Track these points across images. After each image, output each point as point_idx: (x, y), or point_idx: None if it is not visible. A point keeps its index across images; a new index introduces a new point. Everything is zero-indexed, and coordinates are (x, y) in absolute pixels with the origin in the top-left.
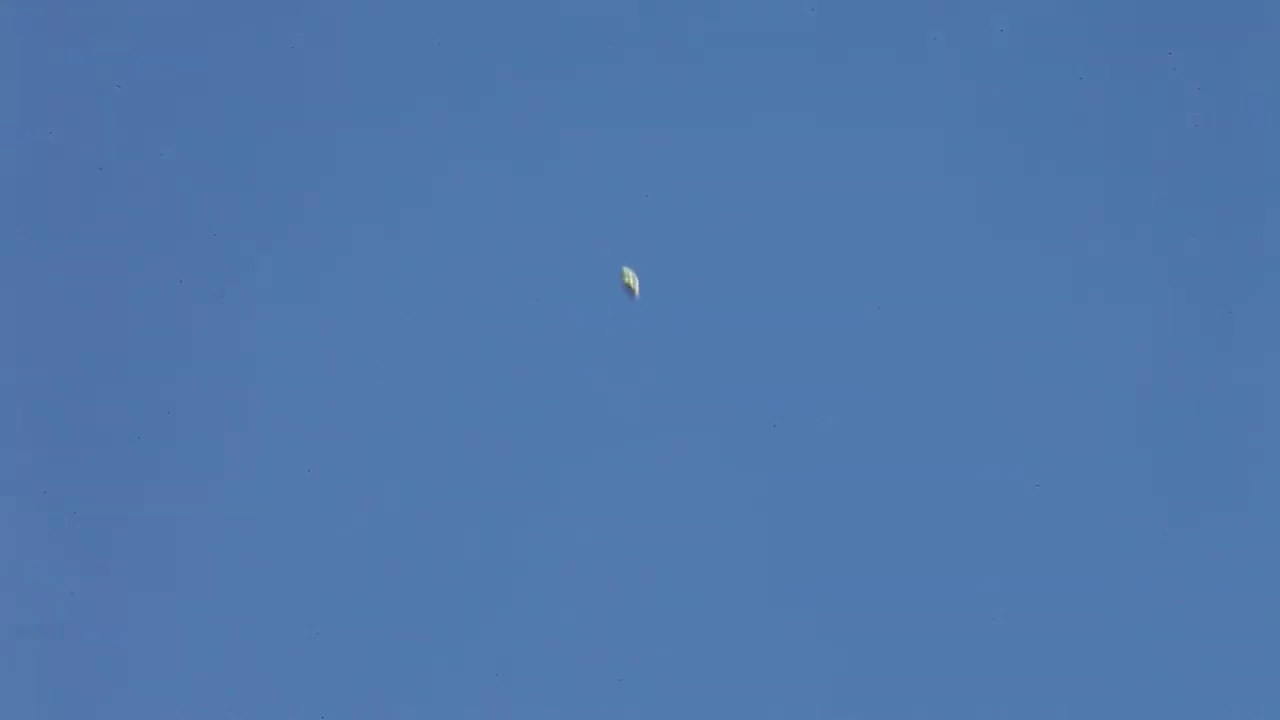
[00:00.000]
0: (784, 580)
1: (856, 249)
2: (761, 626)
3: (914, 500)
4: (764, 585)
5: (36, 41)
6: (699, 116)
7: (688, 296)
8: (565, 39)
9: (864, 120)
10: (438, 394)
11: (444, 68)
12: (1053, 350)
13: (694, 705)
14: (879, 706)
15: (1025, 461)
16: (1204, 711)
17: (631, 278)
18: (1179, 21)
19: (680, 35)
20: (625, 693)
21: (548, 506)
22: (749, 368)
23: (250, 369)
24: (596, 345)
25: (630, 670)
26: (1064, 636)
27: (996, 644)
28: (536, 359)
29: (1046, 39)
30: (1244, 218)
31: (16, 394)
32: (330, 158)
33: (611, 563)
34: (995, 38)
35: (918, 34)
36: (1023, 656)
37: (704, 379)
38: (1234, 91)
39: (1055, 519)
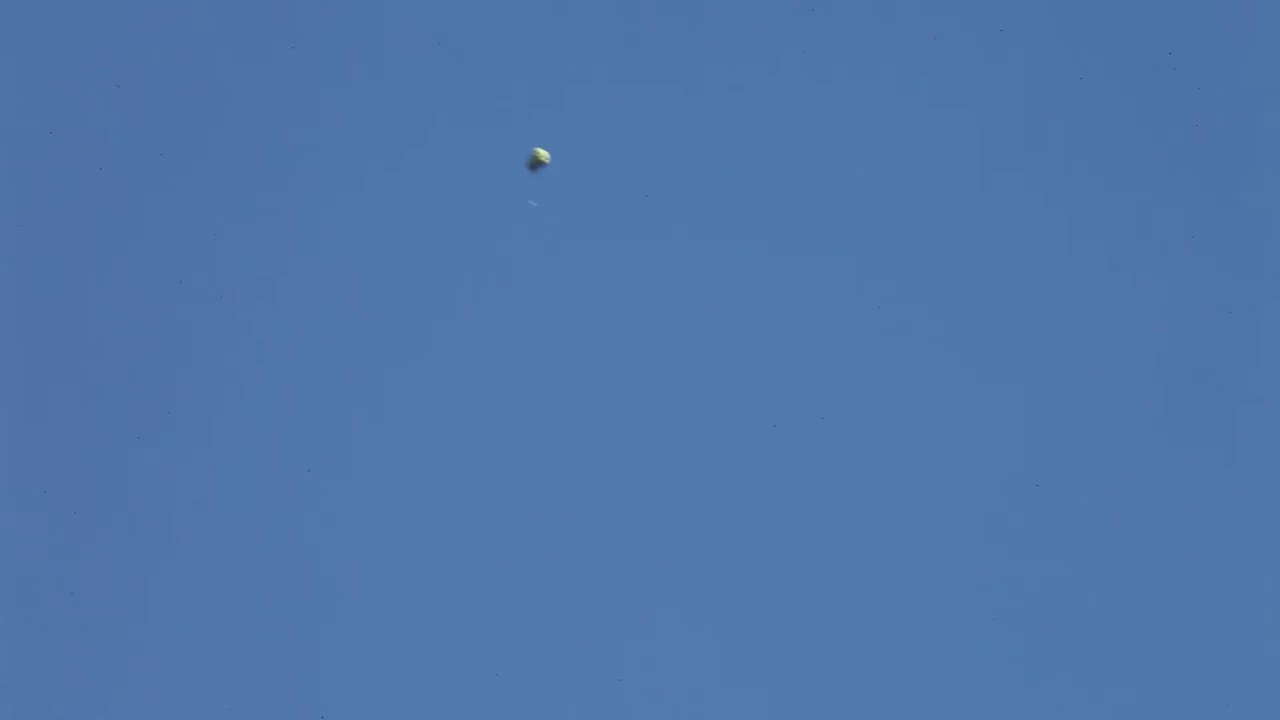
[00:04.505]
0: (785, 579)
1: (857, 248)
2: (762, 626)
3: (915, 500)
4: (765, 584)
5: (36, 41)
6: (699, 118)
7: (687, 296)
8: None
9: (864, 121)
10: (439, 393)
11: (446, 73)
12: (1054, 350)
13: (694, 705)
14: (880, 706)
15: (1027, 460)
16: (1205, 711)
17: (542, 155)
18: (1179, 21)
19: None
20: (625, 692)
21: (547, 505)
22: (749, 367)
23: (251, 369)
24: (595, 345)
25: (630, 670)
26: (1065, 636)
27: (997, 644)
28: (535, 360)
29: (1046, 39)
30: (1244, 217)
31: (17, 394)
32: (330, 156)
33: (611, 562)
34: (995, 38)
35: (917, 34)
36: (1023, 657)
37: (704, 378)
38: (1234, 91)
39: (1057, 518)
